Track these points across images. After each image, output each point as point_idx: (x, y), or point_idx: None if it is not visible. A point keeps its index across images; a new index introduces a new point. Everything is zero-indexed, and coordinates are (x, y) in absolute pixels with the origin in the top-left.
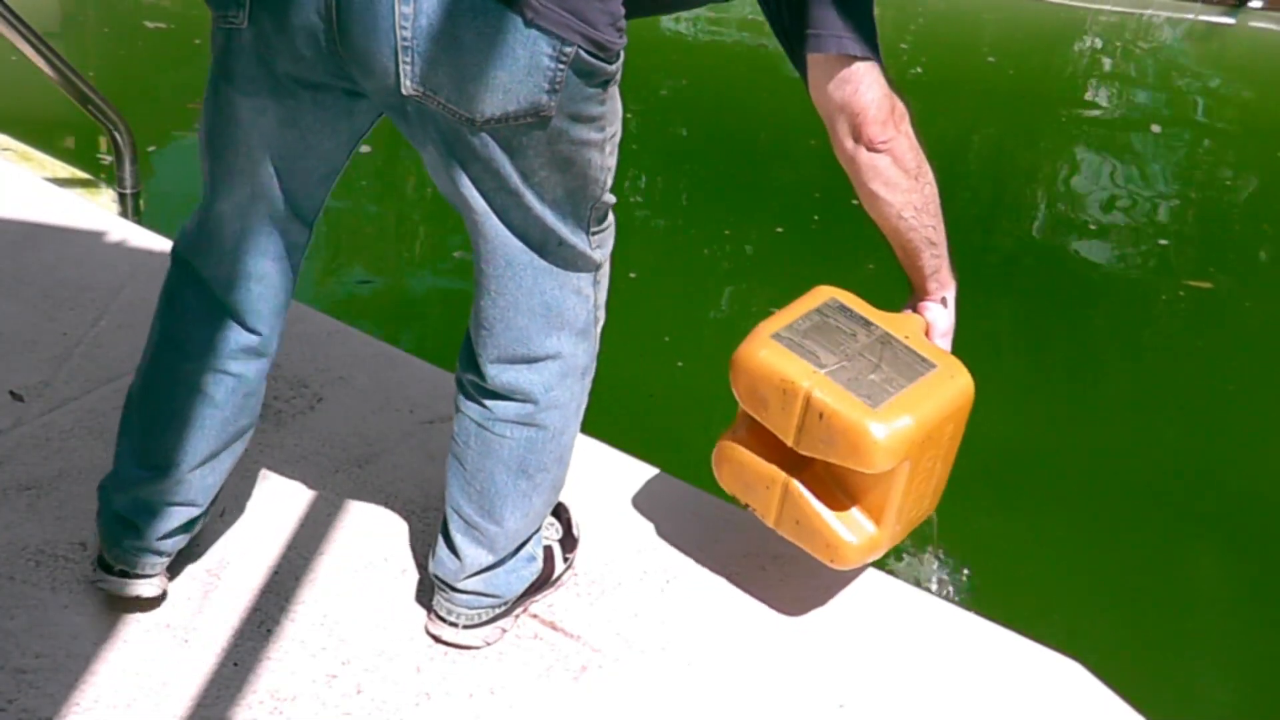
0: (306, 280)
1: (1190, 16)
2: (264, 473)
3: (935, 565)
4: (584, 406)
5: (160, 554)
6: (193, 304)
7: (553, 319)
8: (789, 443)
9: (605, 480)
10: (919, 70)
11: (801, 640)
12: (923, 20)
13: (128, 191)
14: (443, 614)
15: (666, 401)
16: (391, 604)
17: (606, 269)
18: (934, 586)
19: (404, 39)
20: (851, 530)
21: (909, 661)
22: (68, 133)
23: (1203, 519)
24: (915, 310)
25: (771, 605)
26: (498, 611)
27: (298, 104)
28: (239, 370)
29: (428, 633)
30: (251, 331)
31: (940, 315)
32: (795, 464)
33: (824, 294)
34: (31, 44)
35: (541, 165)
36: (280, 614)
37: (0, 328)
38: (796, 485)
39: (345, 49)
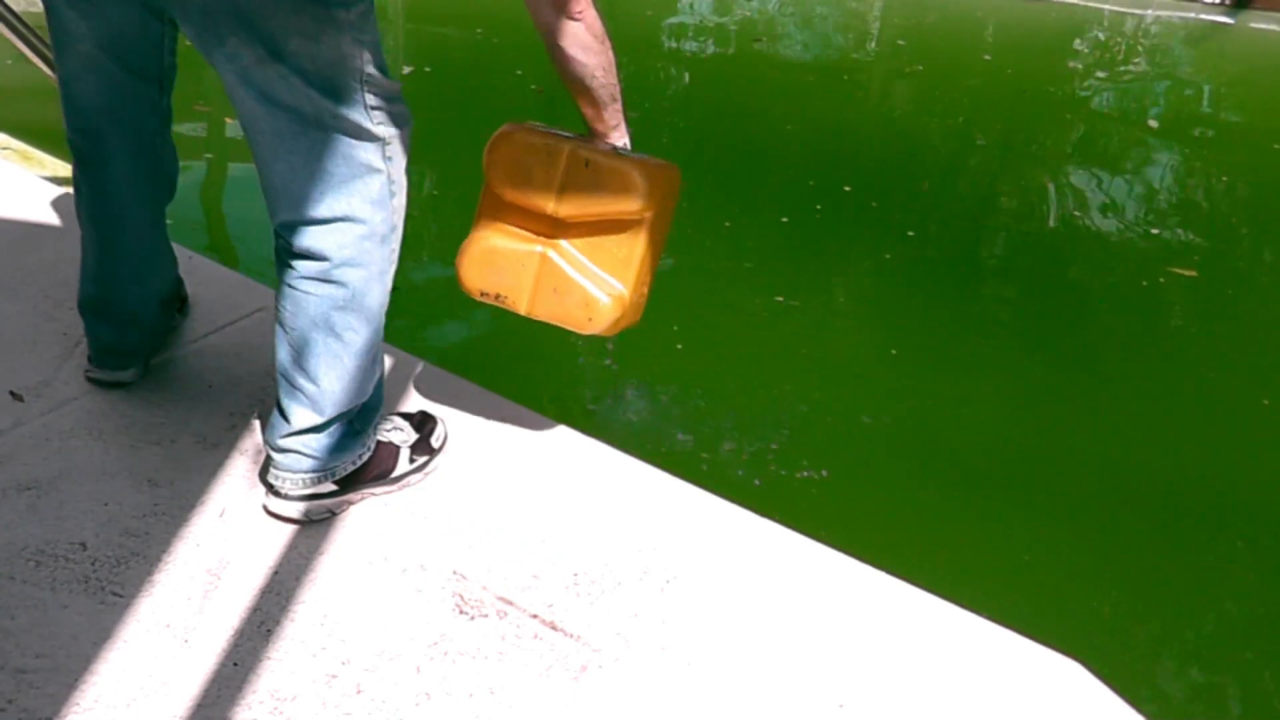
0: None
1: (1190, 16)
2: (264, 470)
3: (935, 564)
4: (389, 273)
5: (121, 353)
6: (78, 163)
7: (338, 186)
8: (549, 208)
9: (605, 480)
10: (919, 68)
11: (801, 640)
12: (923, 18)
13: None
14: (271, 481)
15: (670, 400)
16: (391, 604)
17: (399, 146)
18: (934, 586)
19: None
20: (604, 290)
21: (909, 661)
22: None
23: (1203, 518)
24: None
25: (771, 605)
26: (323, 489)
27: None
28: (118, 206)
29: (265, 510)
30: (117, 175)
31: None
32: (548, 239)
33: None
34: (31, 44)
35: (290, 34)
36: (280, 614)
37: (0, 328)
38: (552, 255)
39: None
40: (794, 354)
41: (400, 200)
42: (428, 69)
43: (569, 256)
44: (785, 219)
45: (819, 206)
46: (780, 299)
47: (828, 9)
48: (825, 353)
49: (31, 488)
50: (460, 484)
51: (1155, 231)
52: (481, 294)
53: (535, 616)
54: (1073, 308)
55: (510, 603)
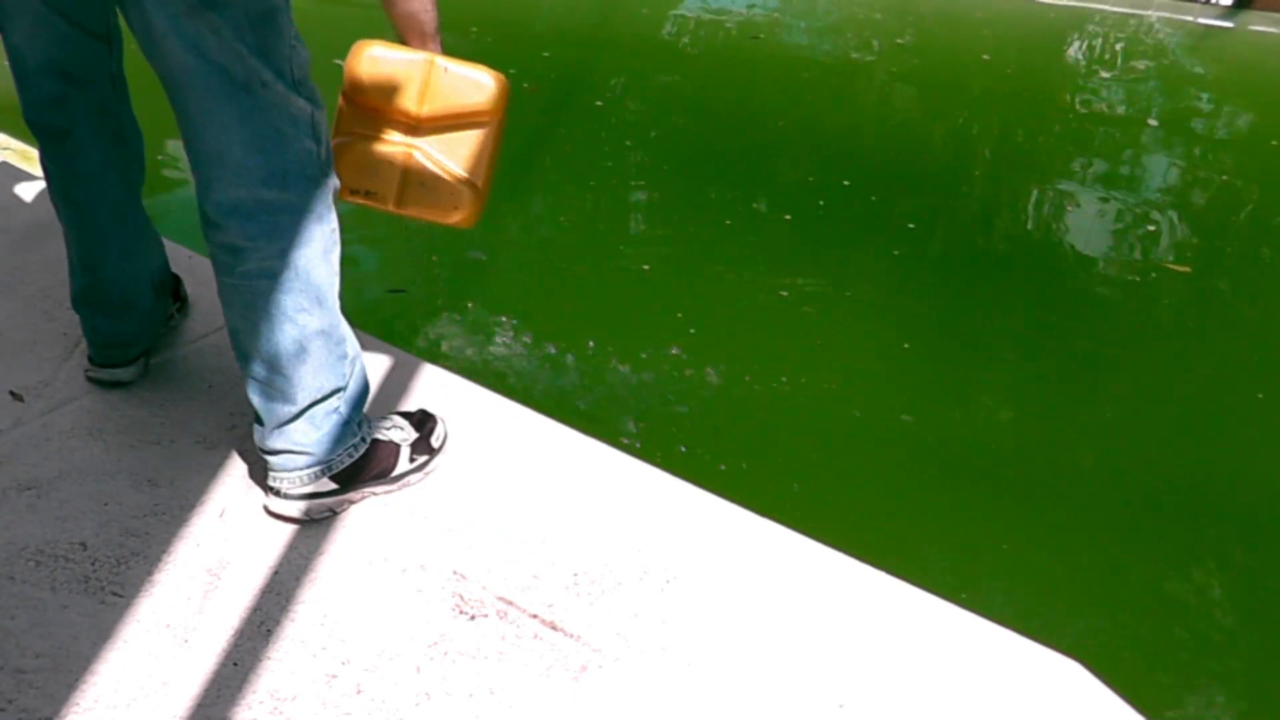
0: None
1: (1189, 18)
2: (264, 473)
3: (935, 564)
4: (334, 253)
5: (120, 345)
6: (44, 140)
7: (272, 159)
8: (414, 108)
9: (605, 480)
10: (918, 66)
11: (801, 640)
12: (924, 19)
13: None
14: (270, 484)
15: (672, 398)
16: (391, 604)
17: (323, 127)
18: (934, 586)
19: None
20: (463, 182)
21: (909, 661)
22: None
23: (1202, 518)
24: None
25: (771, 605)
26: (322, 486)
27: None
28: (91, 177)
29: (266, 511)
30: (83, 141)
31: None
32: (410, 141)
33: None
34: None
35: None
36: (280, 614)
37: (0, 328)
38: (416, 154)
39: None
40: (799, 349)
41: (333, 182)
42: None
43: (430, 155)
44: (788, 216)
45: (821, 202)
46: (784, 294)
47: (827, 4)
48: (828, 350)
49: (31, 488)
50: (460, 484)
51: (1152, 229)
52: (351, 193)
53: (535, 616)
54: (1070, 305)
55: (510, 603)
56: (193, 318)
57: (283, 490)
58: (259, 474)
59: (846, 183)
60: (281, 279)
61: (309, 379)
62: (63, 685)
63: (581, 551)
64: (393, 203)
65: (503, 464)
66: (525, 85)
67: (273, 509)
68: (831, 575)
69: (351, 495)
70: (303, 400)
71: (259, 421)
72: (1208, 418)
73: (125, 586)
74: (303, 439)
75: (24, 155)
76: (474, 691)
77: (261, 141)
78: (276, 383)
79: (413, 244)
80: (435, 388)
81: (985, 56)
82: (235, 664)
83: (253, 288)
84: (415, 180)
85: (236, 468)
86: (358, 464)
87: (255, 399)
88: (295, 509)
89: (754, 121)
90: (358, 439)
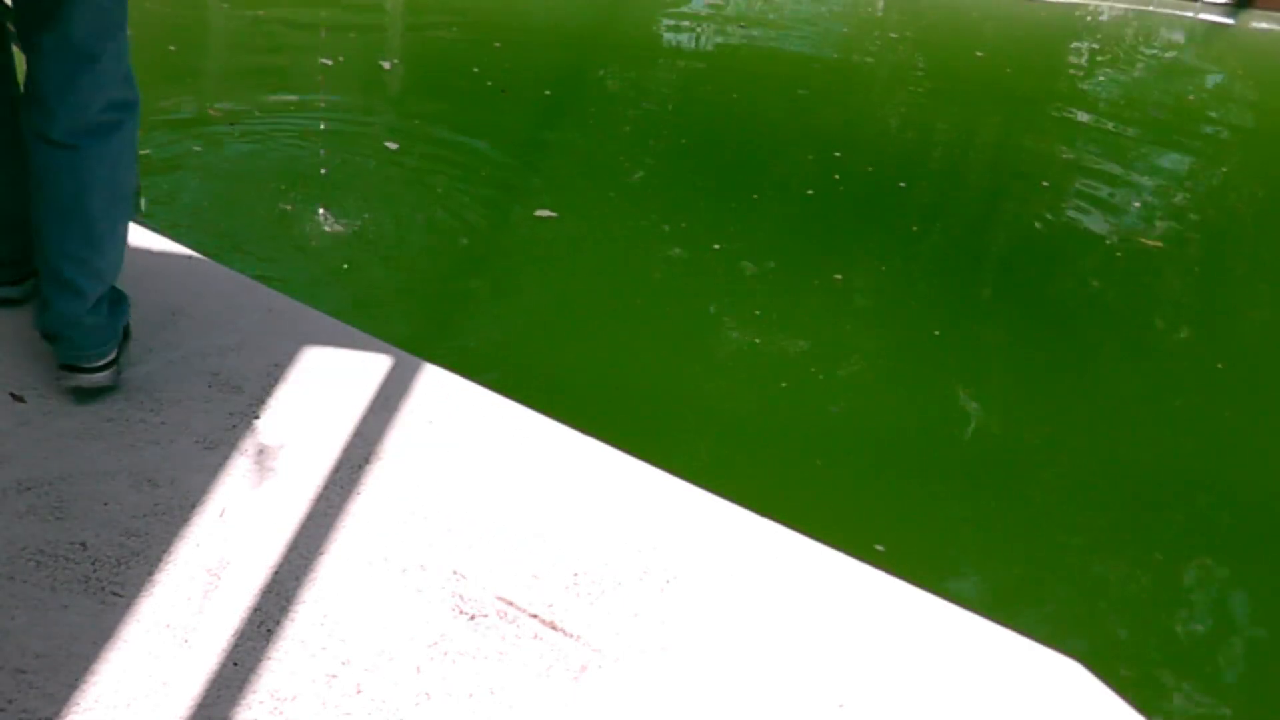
0: (331, 291)
1: (1190, 16)
2: (264, 473)
3: (935, 564)
4: (135, 139)
5: (9, 264)
6: None
7: (125, 62)
8: None
9: (605, 479)
10: (920, 69)
11: (801, 640)
12: (923, 19)
13: None
14: (74, 363)
15: (669, 397)
16: (391, 604)
17: (128, 42)
18: (934, 586)
19: None
20: None
21: (909, 661)
22: None
23: (1203, 519)
24: None
25: (771, 605)
26: (113, 353)
27: None
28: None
29: (65, 388)
30: None
31: None
32: None
33: None
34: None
35: None
36: (280, 614)
37: (0, 328)
38: None
39: None
40: (798, 349)
41: (136, 90)
42: (397, 61)
43: None
44: (810, 191)
45: (836, 176)
46: (779, 294)
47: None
48: (827, 349)
49: (31, 488)
50: (460, 484)
51: (1148, 226)
52: None
53: (535, 616)
54: (1069, 304)
55: (510, 603)
56: (194, 318)
57: (92, 365)
58: (259, 474)
59: (837, 175)
60: (119, 154)
61: (116, 260)
62: (63, 685)
63: (581, 551)
64: None
65: (503, 464)
66: (492, 85)
67: (85, 384)
68: (832, 575)
69: (126, 351)
70: (112, 277)
71: (75, 292)
72: (1211, 420)
73: (125, 586)
74: (105, 312)
75: None
76: (474, 691)
77: (120, 49)
78: (94, 262)
79: (403, 242)
80: (435, 388)
81: (979, 54)
82: (235, 664)
83: (94, 166)
84: None
85: (236, 468)
86: (127, 324)
87: (74, 277)
88: (108, 379)
89: (747, 117)
90: (125, 319)
